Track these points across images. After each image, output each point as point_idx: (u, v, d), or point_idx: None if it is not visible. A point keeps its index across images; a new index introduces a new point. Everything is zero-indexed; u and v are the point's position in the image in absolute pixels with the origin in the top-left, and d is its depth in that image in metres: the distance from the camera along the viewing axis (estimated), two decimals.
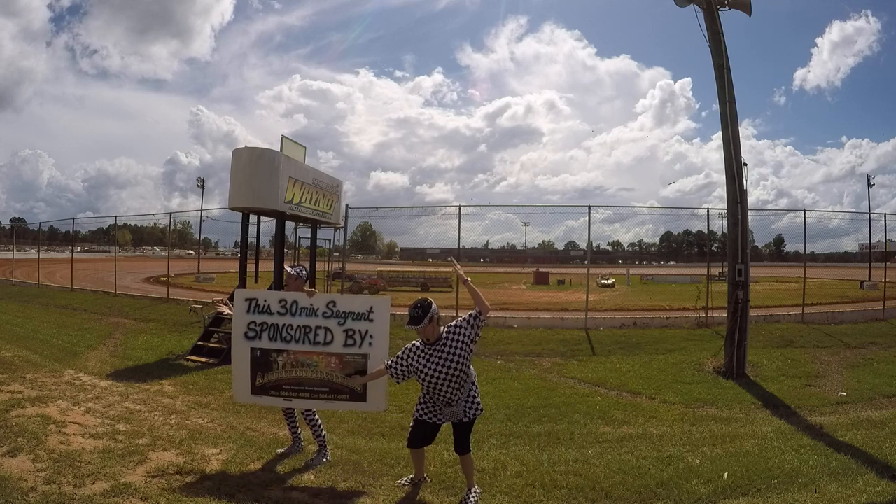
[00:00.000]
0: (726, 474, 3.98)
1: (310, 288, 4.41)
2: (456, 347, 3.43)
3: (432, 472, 3.92)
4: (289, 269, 4.47)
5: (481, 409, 3.63)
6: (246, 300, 4.27)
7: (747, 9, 8.12)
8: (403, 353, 3.60)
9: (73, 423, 4.76)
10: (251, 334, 4.19)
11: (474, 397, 3.59)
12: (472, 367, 3.62)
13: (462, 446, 3.57)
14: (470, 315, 3.52)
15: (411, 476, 3.82)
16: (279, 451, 4.35)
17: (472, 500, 3.53)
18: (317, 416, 4.29)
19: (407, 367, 3.56)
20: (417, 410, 3.68)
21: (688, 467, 4.16)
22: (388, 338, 4.07)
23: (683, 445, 4.72)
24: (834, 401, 6.28)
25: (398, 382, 3.72)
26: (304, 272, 4.57)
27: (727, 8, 8.14)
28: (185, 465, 3.95)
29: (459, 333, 3.47)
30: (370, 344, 4.03)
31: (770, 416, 5.74)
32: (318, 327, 4.10)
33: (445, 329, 3.53)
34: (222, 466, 4.00)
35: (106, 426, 4.75)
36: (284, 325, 4.15)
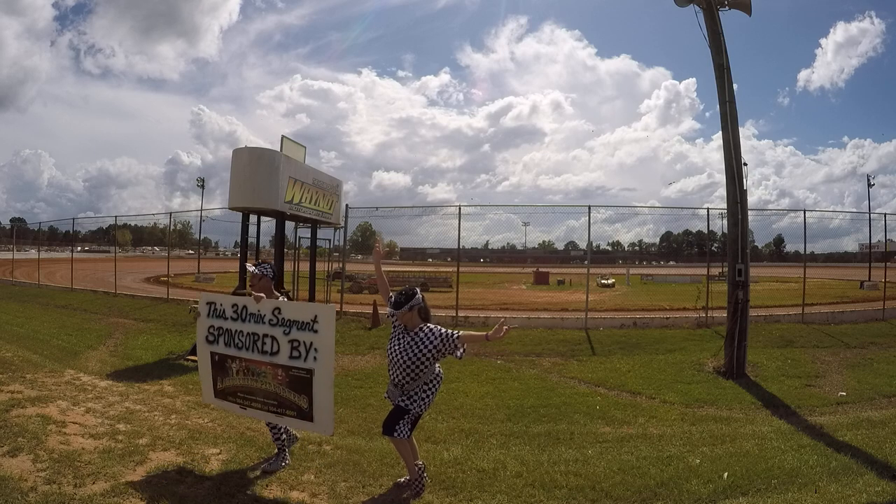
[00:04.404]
0: (726, 474, 3.98)
1: (283, 289, 4.17)
2: (424, 346, 3.51)
3: (432, 472, 3.92)
4: (251, 268, 4.15)
5: (417, 409, 3.58)
6: (207, 303, 4.18)
7: (747, 9, 8.12)
8: (395, 320, 3.70)
9: (73, 423, 4.76)
10: (211, 338, 4.11)
11: (424, 393, 3.60)
12: (438, 367, 3.71)
13: (385, 426, 3.61)
14: (454, 338, 3.50)
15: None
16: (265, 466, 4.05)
17: (400, 482, 3.73)
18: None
19: (395, 324, 3.70)
20: (385, 394, 3.81)
21: (688, 467, 4.16)
22: (334, 352, 3.77)
23: (683, 445, 4.72)
24: (834, 401, 6.28)
25: None
26: (270, 270, 4.21)
27: (727, 8, 8.14)
28: (185, 465, 3.95)
29: (434, 340, 3.51)
30: (315, 358, 3.69)
31: (770, 416, 5.74)
32: (265, 335, 3.87)
33: (428, 327, 3.58)
34: (222, 466, 4.00)
35: (106, 426, 4.75)
36: (237, 330, 3.99)
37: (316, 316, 3.76)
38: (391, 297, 3.68)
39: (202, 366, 4.19)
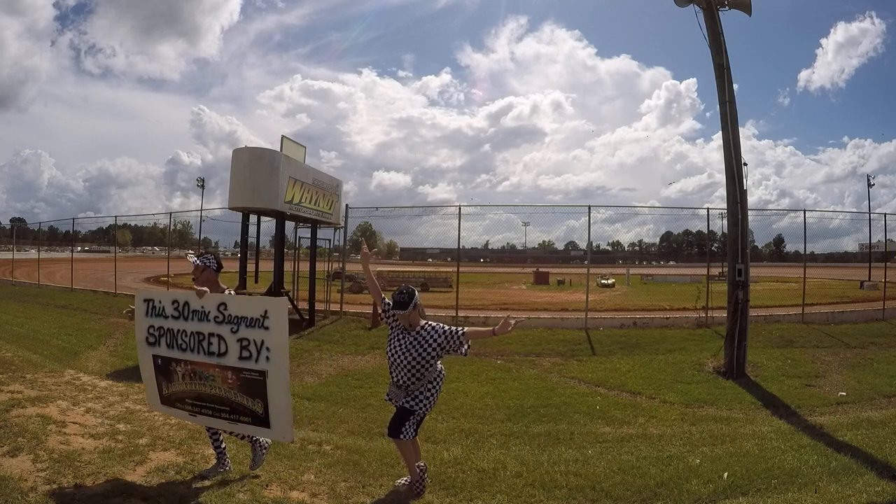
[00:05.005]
0: (726, 474, 3.98)
1: (226, 285, 3.78)
2: (428, 345, 3.49)
3: (432, 472, 3.91)
4: (193, 259, 3.77)
5: (422, 409, 3.57)
6: (144, 301, 3.84)
7: (747, 9, 8.12)
8: (393, 321, 3.65)
9: (73, 423, 4.76)
10: (151, 339, 3.76)
11: (429, 392, 3.59)
12: (440, 365, 3.68)
13: (391, 427, 3.57)
14: (458, 334, 3.50)
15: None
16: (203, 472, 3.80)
17: (400, 482, 3.71)
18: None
19: (391, 324, 3.63)
20: (387, 395, 3.76)
21: (688, 467, 4.16)
22: (288, 350, 3.48)
23: (683, 445, 4.72)
24: (834, 401, 6.28)
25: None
26: (213, 261, 3.79)
27: (727, 8, 8.14)
28: (185, 465, 3.95)
29: (438, 337, 3.50)
30: (267, 359, 3.38)
31: (770, 416, 5.74)
32: (210, 334, 3.51)
33: (430, 324, 3.58)
34: None
35: (106, 426, 4.75)
36: (179, 330, 3.63)
37: (266, 311, 3.41)
38: (386, 300, 3.66)
39: (144, 371, 3.85)
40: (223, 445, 3.88)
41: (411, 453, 3.63)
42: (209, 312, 3.54)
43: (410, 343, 3.52)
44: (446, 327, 3.55)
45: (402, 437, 3.52)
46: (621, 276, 34.77)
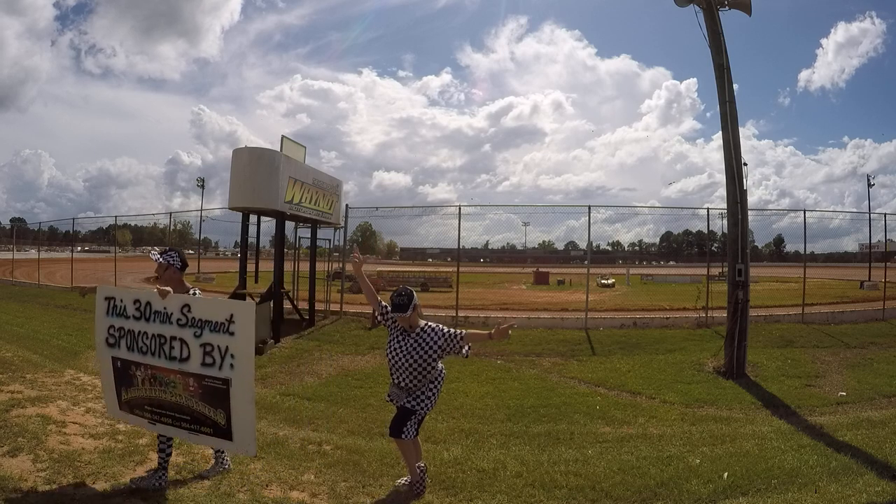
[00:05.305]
0: (726, 474, 3.98)
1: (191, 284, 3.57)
2: (429, 346, 3.48)
3: (432, 472, 3.91)
4: (155, 256, 3.54)
5: (423, 409, 3.57)
6: (105, 299, 3.60)
7: (747, 9, 8.12)
8: (393, 322, 3.63)
9: (73, 423, 4.76)
10: (111, 340, 3.56)
11: (430, 391, 3.60)
12: (441, 365, 3.69)
13: (393, 427, 3.56)
14: (458, 337, 3.50)
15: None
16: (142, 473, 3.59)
17: (400, 482, 3.70)
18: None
19: (390, 327, 3.61)
20: (387, 396, 3.75)
21: (688, 467, 4.16)
22: (253, 358, 3.30)
23: (683, 445, 4.72)
24: (834, 401, 6.28)
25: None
26: (177, 259, 3.56)
27: (727, 8, 8.14)
28: (185, 464, 3.94)
29: (439, 339, 3.49)
30: (231, 366, 3.19)
31: (770, 416, 5.74)
32: (172, 338, 3.32)
33: (430, 326, 3.57)
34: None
35: (106, 426, 4.74)
36: (140, 332, 3.43)
37: (232, 315, 3.21)
38: (383, 303, 3.65)
39: (103, 373, 3.67)
40: (168, 454, 3.60)
41: (412, 453, 3.63)
42: (172, 314, 3.35)
43: (411, 345, 3.51)
44: (446, 329, 3.55)
45: (403, 436, 3.52)
46: (621, 276, 34.77)
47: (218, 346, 3.21)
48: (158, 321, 3.38)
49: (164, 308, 3.37)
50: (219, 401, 3.24)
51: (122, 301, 3.54)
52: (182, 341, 3.30)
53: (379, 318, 3.73)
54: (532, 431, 5.15)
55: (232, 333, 3.19)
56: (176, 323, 3.33)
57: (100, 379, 3.80)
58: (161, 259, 3.51)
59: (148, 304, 3.43)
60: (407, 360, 3.49)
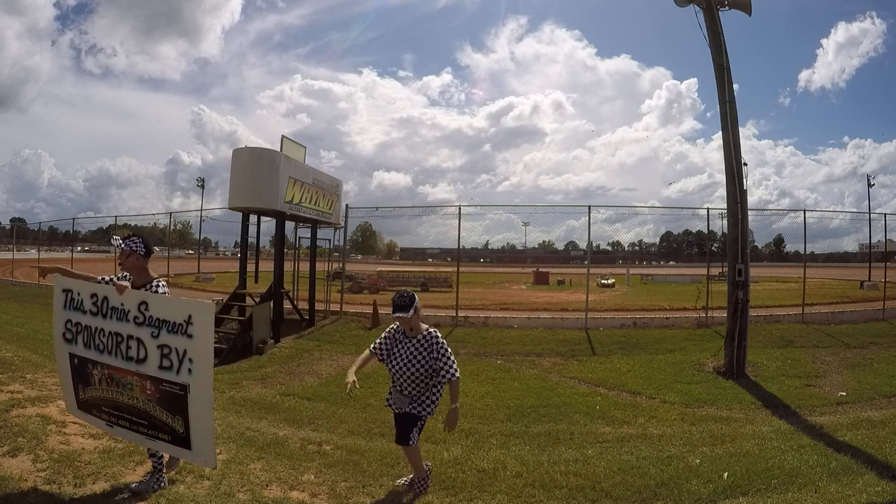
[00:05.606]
0: (726, 474, 3.98)
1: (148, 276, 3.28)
2: (432, 353, 3.49)
3: (433, 473, 3.91)
4: (117, 241, 3.32)
5: (428, 413, 3.57)
6: (63, 291, 3.39)
7: (747, 9, 8.13)
8: (387, 333, 3.64)
9: (73, 422, 4.74)
10: (68, 336, 3.36)
11: (434, 395, 3.60)
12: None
13: (401, 436, 3.56)
14: (449, 364, 3.48)
15: (411, 476, 3.82)
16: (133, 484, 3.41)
17: (400, 482, 3.70)
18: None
19: (388, 348, 3.59)
20: (386, 400, 3.74)
21: (688, 467, 4.15)
22: (212, 364, 3.11)
23: (683, 445, 4.72)
24: (834, 401, 6.28)
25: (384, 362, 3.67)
26: (140, 245, 3.32)
27: (727, 8, 8.15)
28: (185, 464, 3.94)
29: (440, 349, 3.49)
30: (189, 371, 2.96)
31: (770, 416, 5.74)
32: (129, 337, 3.11)
33: (433, 333, 3.56)
34: (222, 466, 3.98)
35: None
36: (97, 328, 3.21)
37: (190, 316, 2.99)
38: (376, 343, 3.65)
39: (60, 370, 3.49)
40: (160, 455, 3.43)
41: (419, 456, 3.66)
42: (129, 311, 3.12)
43: (416, 352, 3.48)
44: (449, 353, 3.50)
45: (411, 443, 3.54)
46: (621, 276, 34.78)
47: (175, 349, 3.00)
48: (115, 318, 3.17)
49: (122, 304, 3.14)
50: (177, 407, 3.02)
51: (79, 294, 3.32)
52: (139, 341, 3.10)
53: (377, 353, 3.64)
54: (532, 431, 5.15)
55: (190, 336, 2.97)
56: (133, 321, 3.12)
57: (58, 374, 3.64)
58: (123, 245, 3.29)
59: (105, 298, 3.21)
60: (412, 368, 3.47)
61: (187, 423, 3.01)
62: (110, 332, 3.17)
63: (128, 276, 3.34)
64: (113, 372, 3.19)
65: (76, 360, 3.36)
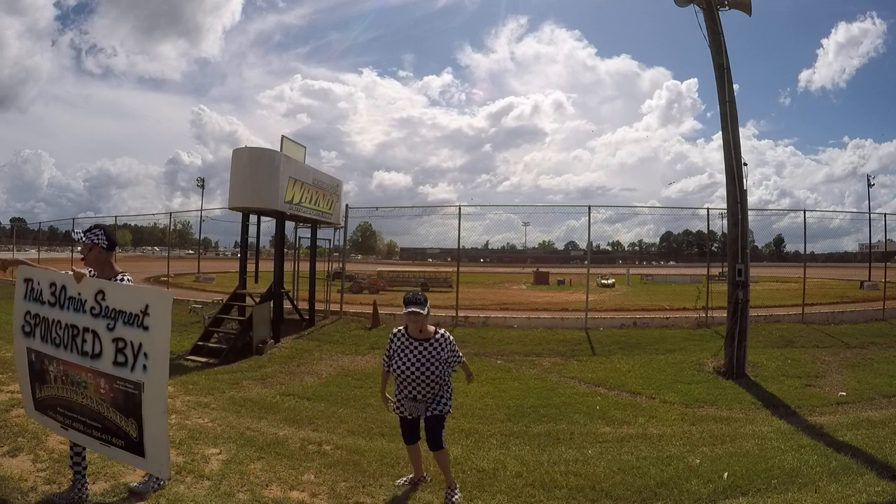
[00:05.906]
0: (726, 474, 3.98)
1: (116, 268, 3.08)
2: (443, 355, 3.51)
3: (432, 472, 3.92)
4: (78, 234, 3.09)
5: (448, 409, 3.61)
6: (24, 281, 3.15)
7: (747, 9, 8.13)
8: (390, 344, 3.64)
9: None
10: (27, 329, 3.13)
11: (447, 391, 3.63)
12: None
13: (433, 442, 3.56)
14: (458, 358, 3.63)
15: (411, 475, 3.82)
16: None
17: (455, 500, 3.53)
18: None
19: (395, 356, 3.58)
20: (395, 405, 3.73)
21: (688, 467, 4.15)
22: (168, 360, 2.83)
23: (683, 445, 4.72)
24: (834, 401, 6.28)
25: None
26: (103, 237, 3.14)
27: (727, 8, 8.15)
28: (185, 465, 3.94)
29: (451, 350, 3.56)
30: (144, 367, 2.69)
31: (770, 416, 5.74)
32: (85, 329, 2.86)
33: (446, 334, 3.58)
34: (222, 466, 3.99)
35: None
36: (54, 320, 2.98)
37: (147, 306, 2.73)
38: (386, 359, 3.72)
39: (18, 367, 3.27)
40: (84, 465, 3.24)
41: (447, 460, 3.66)
42: (86, 301, 2.87)
43: (425, 355, 3.48)
44: (455, 347, 3.61)
45: (443, 445, 3.57)
46: (621, 276, 34.77)
47: (131, 343, 2.74)
48: (72, 309, 2.93)
49: (79, 294, 2.90)
50: (131, 408, 2.75)
51: (39, 284, 3.08)
52: (95, 334, 2.84)
53: (388, 367, 3.69)
54: (532, 431, 5.15)
55: (146, 328, 2.71)
56: (89, 312, 2.87)
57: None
58: (84, 238, 3.12)
59: (63, 288, 2.97)
60: (424, 371, 3.46)
61: (141, 426, 2.75)
62: (66, 325, 2.93)
63: (91, 272, 3.13)
64: (68, 368, 2.95)
65: (33, 356, 3.14)
